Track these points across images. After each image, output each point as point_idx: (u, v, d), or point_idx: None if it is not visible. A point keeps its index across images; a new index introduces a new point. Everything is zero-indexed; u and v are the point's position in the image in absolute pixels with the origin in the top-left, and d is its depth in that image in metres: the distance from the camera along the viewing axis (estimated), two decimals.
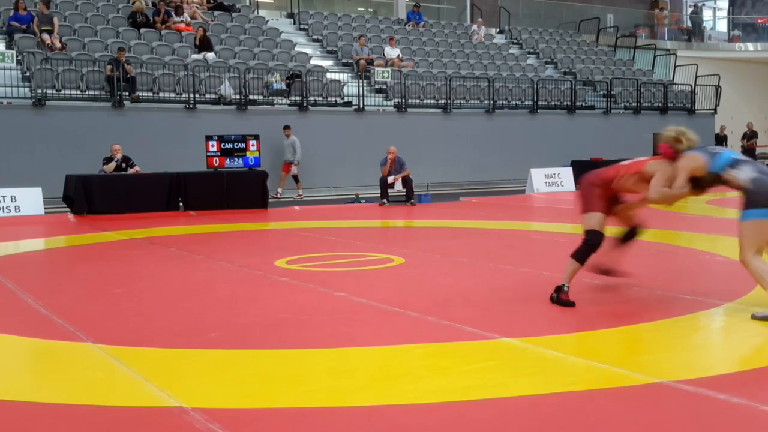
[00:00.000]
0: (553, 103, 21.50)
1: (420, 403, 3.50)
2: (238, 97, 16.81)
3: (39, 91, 14.83)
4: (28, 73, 15.35)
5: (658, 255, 8.27)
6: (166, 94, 16.20)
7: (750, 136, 25.04)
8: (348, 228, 11.24)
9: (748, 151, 24.80)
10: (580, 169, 18.91)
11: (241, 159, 14.45)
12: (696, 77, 25.07)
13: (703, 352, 4.49)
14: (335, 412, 3.43)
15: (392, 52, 20.50)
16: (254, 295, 6.28)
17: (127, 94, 15.55)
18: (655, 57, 27.19)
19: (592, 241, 5.54)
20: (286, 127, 16.46)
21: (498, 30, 26.11)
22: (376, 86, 19.48)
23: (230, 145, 14.39)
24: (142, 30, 17.81)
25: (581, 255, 5.54)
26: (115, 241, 10.02)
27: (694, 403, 3.46)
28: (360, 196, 15.67)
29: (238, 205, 13.91)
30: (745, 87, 31.06)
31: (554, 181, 18.35)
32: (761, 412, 3.30)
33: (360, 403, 3.52)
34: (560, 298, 5.49)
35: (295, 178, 16.54)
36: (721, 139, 25.12)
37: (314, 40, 21.49)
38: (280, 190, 16.48)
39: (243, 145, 14.50)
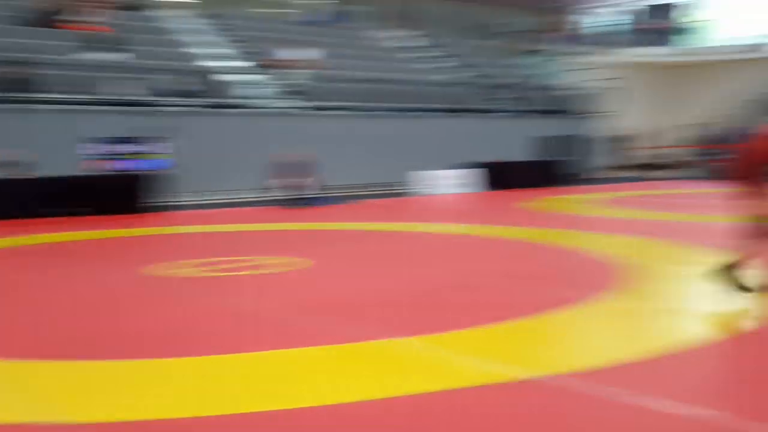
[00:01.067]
0: (462, 106, 21.85)
1: (315, 405, 3.55)
2: (145, 98, 16.43)
3: None
4: None
5: (532, 252, 8.64)
6: (64, 96, 15.69)
7: (630, 137, 26.09)
8: (251, 231, 11.14)
9: (634, 152, 25.88)
10: (483, 170, 19.45)
11: (145, 161, 14.13)
12: (595, 81, 25.96)
13: (581, 346, 4.74)
14: (229, 419, 3.44)
15: (310, 53, 20.40)
16: (146, 303, 6.09)
17: (22, 95, 14.95)
18: (555, 61, 28.00)
19: None
20: None
21: (411, 32, 26.29)
22: (290, 88, 19.36)
23: (133, 148, 14.07)
24: (40, 29, 17.20)
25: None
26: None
27: (574, 395, 3.65)
28: (267, 198, 15.59)
29: (114, 210, 13.40)
30: (642, 90, 32.36)
31: (461, 182, 18.74)
32: (635, 404, 3.50)
33: (256, 409, 3.54)
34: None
35: None
36: (615, 140, 26.17)
37: (232, 41, 21.09)
38: None
39: (147, 148, 14.18)
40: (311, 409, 3.53)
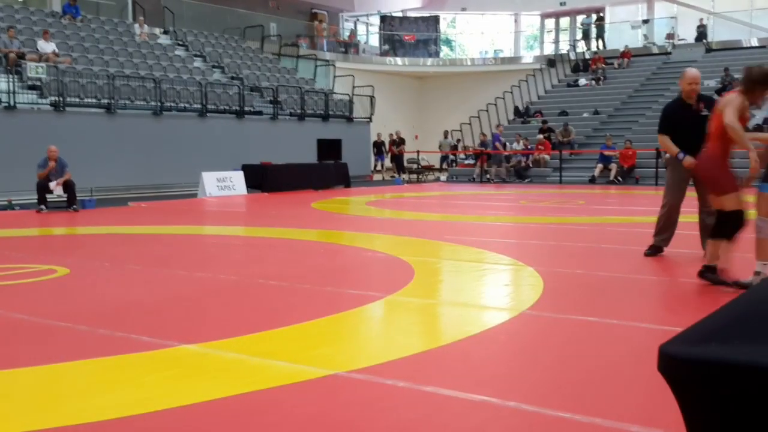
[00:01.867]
0: (222, 107, 21.57)
1: (92, 421, 3.30)
2: None
3: None
4: None
5: (325, 253, 8.74)
6: None
7: (398, 143, 27.54)
8: (0, 237, 10.16)
9: (396, 157, 27.31)
10: (251, 172, 19.33)
11: None
12: (353, 87, 26.93)
13: (370, 342, 4.85)
14: None
15: (47, 46, 18.97)
16: None
17: None
18: (316, 67, 28.66)
19: (738, 219, 5.89)
20: None
21: (162, 30, 25.48)
22: (29, 82, 17.86)
23: None
24: None
25: (728, 232, 5.92)
26: None
27: (366, 390, 3.73)
28: (13, 202, 14.24)
29: None
30: (395, 97, 34.12)
31: (226, 184, 18.44)
32: (423, 393, 3.66)
33: (19, 430, 3.21)
34: (717, 277, 5.96)
35: None
36: (379, 145, 27.29)
37: None
38: None
39: None
40: (93, 424, 3.27)
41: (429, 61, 35.76)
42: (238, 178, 18.81)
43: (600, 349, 4.45)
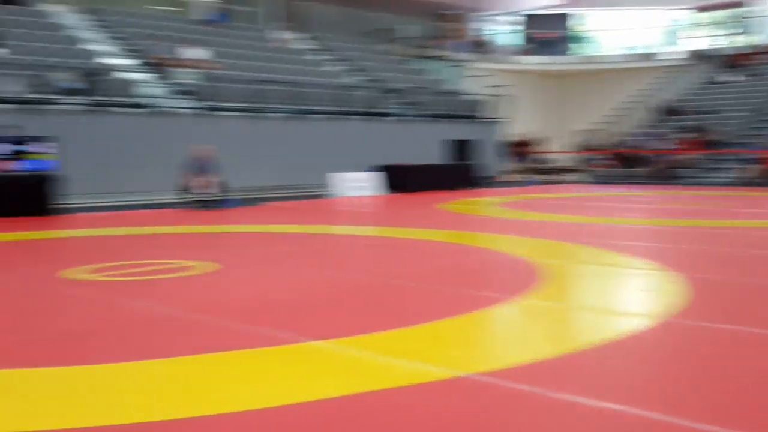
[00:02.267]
0: (355, 109, 21.96)
1: (230, 411, 3.43)
2: (28, 95, 15.58)
3: None
4: None
5: (453, 254, 8.69)
6: None
7: (528, 143, 27.05)
8: (153, 234, 10.80)
9: (528, 157, 26.84)
10: (383, 173, 19.58)
11: (28, 162, 13.42)
12: (484, 87, 26.71)
13: (497, 345, 4.77)
14: (143, 428, 3.28)
15: (195, 52, 19.99)
16: (43, 308, 5.84)
17: None
18: (447, 67, 28.65)
19: None
20: None
21: (303, 36, 26.27)
22: (179, 87, 18.90)
23: (16, 148, 13.32)
24: None
25: None
26: None
27: (493, 393, 3.66)
28: (165, 200, 15.09)
29: (19, 211, 12.83)
30: (527, 96, 33.54)
31: (358, 185, 18.77)
32: (553, 400, 3.56)
33: (168, 417, 3.39)
34: None
35: None
36: (511, 146, 26.95)
37: (114, 38, 20.44)
38: None
39: (30, 148, 13.46)
40: (235, 414, 3.40)
41: (563, 59, 34.93)
42: (370, 179, 19.11)
43: (753, 362, 4.18)
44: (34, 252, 9.50)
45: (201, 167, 14.43)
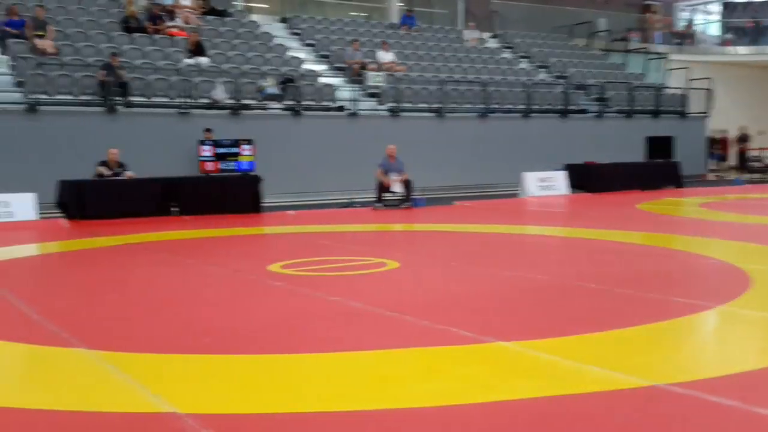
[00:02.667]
0: (545, 107, 21.54)
1: (412, 407, 3.49)
2: (231, 101, 16.81)
3: (32, 96, 14.79)
4: (20, 79, 15.31)
5: (649, 257, 8.28)
6: (159, 99, 16.19)
7: (743, 139, 25.13)
8: (342, 232, 11.23)
9: (741, 155, 24.92)
10: (574, 172, 19.04)
11: (234, 163, 14.45)
12: (688, 81, 25.17)
13: (695, 355, 4.50)
14: (327, 417, 3.42)
15: (385, 56, 20.53)
16: (248, 300, 6.26)
17: (120, 99, 15.53)
18: (647, 61, 27.31)
19: None
20: None
21: (491, 34, 26.17)
22: (369, 90, 19.50)
23: (223, 150, 14.39)
24: (135, 35, 17.78)
25: None
26: (108, 246, 9.99)
27: (688, 405, 3.46)
28: (354, 200, 15.66)
29: (231, 209, 13.89)
30: (736, 89, 31.16)
31: (548, 184, 18.38)
32: (755, 415, 3.30)
33: (353, 408, 3.51)
34: None
35: None
36: (716, 142, 25.23)
37: (307, 45, 21.50)
38: None
39: (236, 150, 14.50)
40: (412, 410, 3.47)
41: None
42: (560, 179, 18.63)
43: None
44: (246, 246, 10.22)
45: (390, 167, 14.79)
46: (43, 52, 15.83)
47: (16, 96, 15.00)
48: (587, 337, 4.70)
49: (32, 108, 14.72)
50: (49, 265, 9.12)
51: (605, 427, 3.24)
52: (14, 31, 16.11)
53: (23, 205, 13.04)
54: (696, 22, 34.01)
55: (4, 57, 15.15)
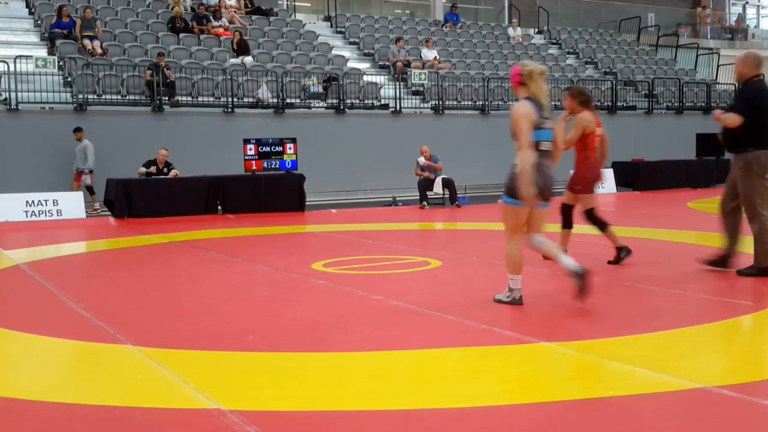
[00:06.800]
0: (593, 104, 21.22)
1: (456, 407, 3.47)
2: (275, 100, 16.93)
3: (80, 96, 15.10)
4: (69, 79, 15.64)
5: (700, 257, 8.09)
6: (205, 98, 16.40)
7: None
8: (385, 231, 11.22)
9: None
10: (622, 170, 18.73)
11: (278, 162, 14.55)
12: None
13: (746, 357, 4.37)
14: (371, 416, 3.41)
15: (429, 53, 20.47)
16: (291, 298, 6.30)
17: (166, 98, 15.76)
18: (697, 56, 26.75)
19: None
20: (77, 130, 14.24)
21: (536, 30, 25.91)
22: (413, 88, 19.45)
23: (268, 149, 14.49)
24: (181, 35, 18.04)
25: None
26: (155, 244, 10.15)
27: (739, 409, 3.37)
28: (397, 198, 15.65)
29: (276, 208, 14.01)
30: None
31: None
32: None
33: (396, 407, 3.50)
34: None
35: (90, 189, 14.30)
36: None
37: (351, 43, 21.56)
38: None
39: (280, 149, 14.59)
40: (456, 410, 3.44)
41: None
42: (607, 176, 18.36)
43: None
44: (290, 245, 10.30)
45: (431, 166, 14.74)
46: (91, 53, 16.15)
47: (65, 96, 15.33)
48: (634, 338, 4.61)
49: (80, 107, 15.03)
50: (98, 262, 9.30)
51: (654, 430, 3.17)
52: (63, 32, 16.46)
53: (72, 204, 13.33)
54: (748, 16, 33.20)
55: (53, 57, 15.51)
